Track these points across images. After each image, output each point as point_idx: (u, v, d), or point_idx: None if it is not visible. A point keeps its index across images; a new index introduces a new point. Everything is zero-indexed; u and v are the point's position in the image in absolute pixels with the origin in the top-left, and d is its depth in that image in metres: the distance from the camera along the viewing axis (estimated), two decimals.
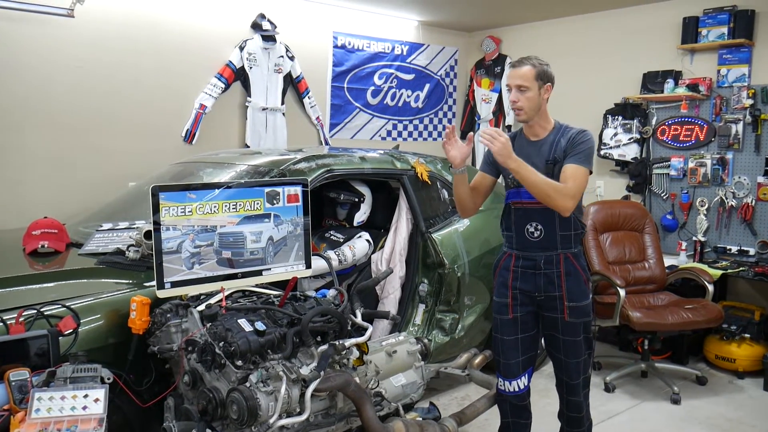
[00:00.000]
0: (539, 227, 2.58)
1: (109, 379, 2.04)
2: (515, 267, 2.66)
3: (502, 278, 2.71)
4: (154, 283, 2.27)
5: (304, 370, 2.09)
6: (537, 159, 2.58)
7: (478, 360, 3.20)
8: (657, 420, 3.61)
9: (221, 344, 2.05)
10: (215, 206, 2.32)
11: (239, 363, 2.04)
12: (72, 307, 2.24)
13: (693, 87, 4.79)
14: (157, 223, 2.21)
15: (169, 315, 2.29)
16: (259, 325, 2.10)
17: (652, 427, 3.53)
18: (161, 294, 2.22)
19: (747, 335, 4.24)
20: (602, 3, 5.27)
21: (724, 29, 4.63)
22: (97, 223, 3.31)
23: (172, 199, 2.25)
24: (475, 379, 3.10)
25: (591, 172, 2.57)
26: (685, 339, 4.36)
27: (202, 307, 2.27)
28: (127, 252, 2.70)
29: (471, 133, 2.64)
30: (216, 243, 2.32)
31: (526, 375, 2.74)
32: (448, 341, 3.62)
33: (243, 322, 2.10)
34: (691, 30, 4.81)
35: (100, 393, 1.94)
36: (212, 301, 2.31)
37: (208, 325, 2.15)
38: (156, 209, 2.22)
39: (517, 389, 2.72)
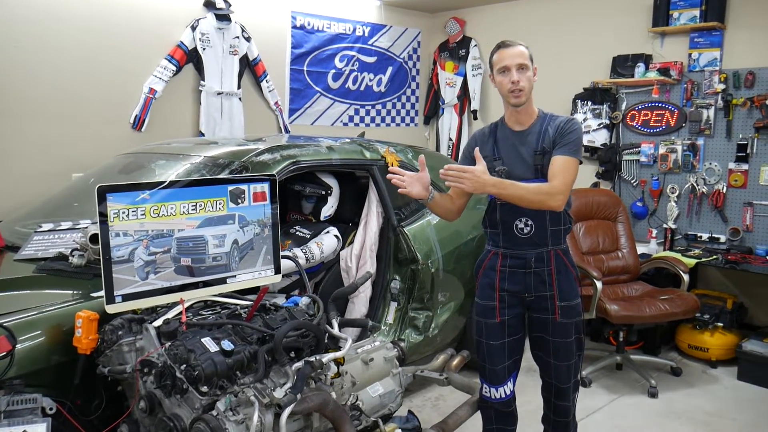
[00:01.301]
0: (529, 222, 2.41)
1: (51, 409, 1.79)
2: (502, 267, 2.48)
3: (488, 279, 2.52)
4: (102, 293, 2.00)
5: (278, 393, 1.86)
6: (524, 149, 2.42)
7: (455, 362, 3.01)
8: (636, 416, 3.51)
9: (183, 367, 1.80)
10: (172, 207, 2.05)
11: (204, 389, 1.79)
12: (6, 324, 1.95)
13: (664, 71, 4.69)
14: (104, 229, 1.93)
15: (120, 332, 2.02)
16: (226, 345, 1.85)
17: (633, 423, 3.43)
18: (111, 309, 1.95)
19: (720, 324, 4.19)
20: None
21: (696, 12, 4.52)
22: (36, 221, 2.98)
23: (122, 201, 1.97)
24: (455, 383, 2.91)
25: (581, 162, 2.42)
26: (658, 329, 4.29)
27: (159, 323, 2.01)
28: (70, 257, 2.41)
29: (422, 156, 2.44)
30: (173, 249, 2.06)
31: (512, 380, 2.59)
32: (422, 340, 3.44)
33: (207, 341, 1.85)
34: (662, 12, 4.69)
35: (41, 428, 1.69)
36: (170, 315, 2.05)
37: (167, 344, 1.89)
38: (103, 212, 1.94)
39: (503, 396, 2.56)
